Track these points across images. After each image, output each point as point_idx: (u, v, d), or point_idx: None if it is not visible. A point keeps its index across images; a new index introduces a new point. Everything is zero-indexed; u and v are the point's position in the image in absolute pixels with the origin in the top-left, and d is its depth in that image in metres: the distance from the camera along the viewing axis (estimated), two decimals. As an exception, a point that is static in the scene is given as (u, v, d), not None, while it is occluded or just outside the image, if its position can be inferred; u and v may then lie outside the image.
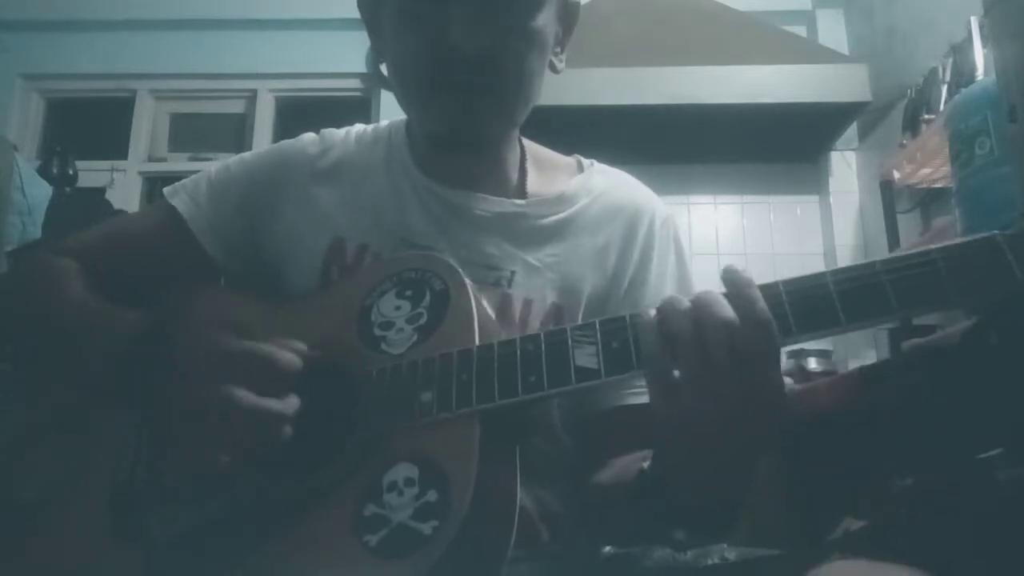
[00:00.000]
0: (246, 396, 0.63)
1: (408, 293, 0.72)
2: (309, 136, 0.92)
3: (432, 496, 0.59)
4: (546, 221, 0.85)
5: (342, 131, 0.93)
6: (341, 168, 0.88)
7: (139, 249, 0.88)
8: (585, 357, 0.62)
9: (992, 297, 0.55)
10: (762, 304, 0.55)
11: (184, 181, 0.90)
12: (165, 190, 0.89)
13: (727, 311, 0.55)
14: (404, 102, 0.84)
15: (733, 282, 0.56)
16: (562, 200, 0.87)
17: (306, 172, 0.88)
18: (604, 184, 0.90)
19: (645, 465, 0.66)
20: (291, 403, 0.65)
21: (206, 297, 0.84)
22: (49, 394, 0.81)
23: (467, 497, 0.58)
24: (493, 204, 0.85)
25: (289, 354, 0.67)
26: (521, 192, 0.87)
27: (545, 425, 0.81)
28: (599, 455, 0.81)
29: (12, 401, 0.83)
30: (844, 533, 1.23)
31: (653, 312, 0.58)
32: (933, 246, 0.54)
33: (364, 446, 0.65)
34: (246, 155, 0.92)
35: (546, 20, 0.80)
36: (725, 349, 0.55)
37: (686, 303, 0.57)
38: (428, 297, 0.71)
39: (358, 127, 0.94)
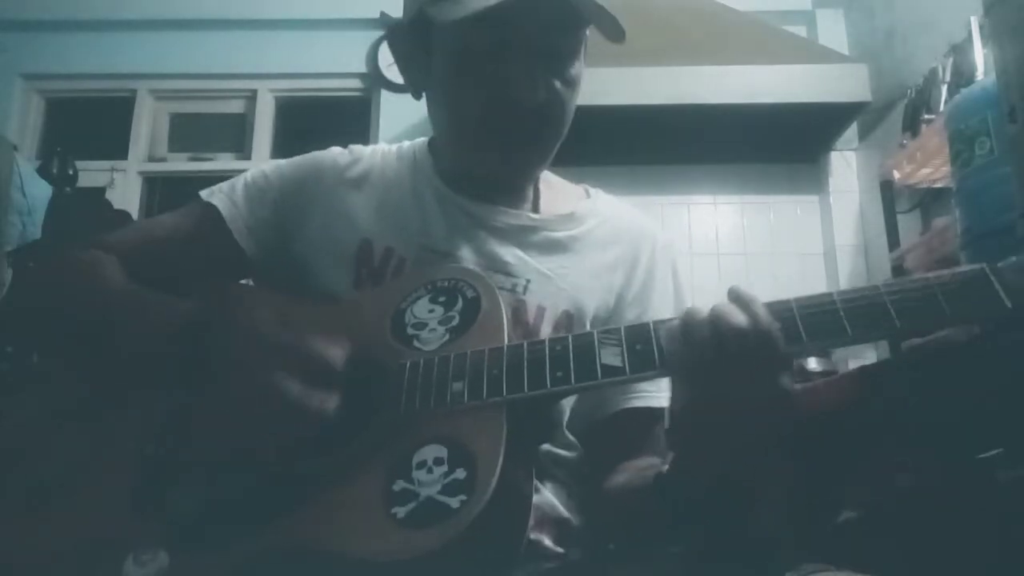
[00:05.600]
0: (295, 387, 0.65)
1: (441, 299, 0.77)
2: (338, 149, 0.99)
3: (460, 474, 0.62)
4: (557, 235, 0.92)
5: (368, 147, 1.00)
6: (369, 177, 0.95)
7: (175, 247, 0.91)
8: (611, 356, 0.67)
9: (986, 320, 0.61)
10: (768, 315, 0.63)
11: (220, 184, 0.94)
12: (201, 192, 0.93)
13: (740, 318, 0.62)
14: (452, 140, 0.91)
15: (740, 298, 0.64)
16: (572, 219, 0.94)
17: (337, 178, 0.94)
18: (609, 210, 0.98)
19: (664, 468, 0.71)
20: (333, 399, 0.67)
21: (247, 292, 0.89)
22: (84, 374, 0.81)
23: (494, 475, 0.61)
24: (510, 217, 0.91)
25: (336, 350, 0.69)
26: (535, 208, 0.94)
27: (560, 431, 0.85)
28: (605, 458, 0.85)
29: (39, 381, 0.85)
30: (833, 529, 1.24)
31: (677, 321, 0.65)
32: (931, 274, 0.63)
33: (393, 428, 0.67)
34: (281, 162, 0.98)
35: (581, 65, 0.88)
36: (738, 350, 0.61)
37: (705, 312, 0.64)
38: (460, 303, 0.76)
39: (382, 146, 1.01)
